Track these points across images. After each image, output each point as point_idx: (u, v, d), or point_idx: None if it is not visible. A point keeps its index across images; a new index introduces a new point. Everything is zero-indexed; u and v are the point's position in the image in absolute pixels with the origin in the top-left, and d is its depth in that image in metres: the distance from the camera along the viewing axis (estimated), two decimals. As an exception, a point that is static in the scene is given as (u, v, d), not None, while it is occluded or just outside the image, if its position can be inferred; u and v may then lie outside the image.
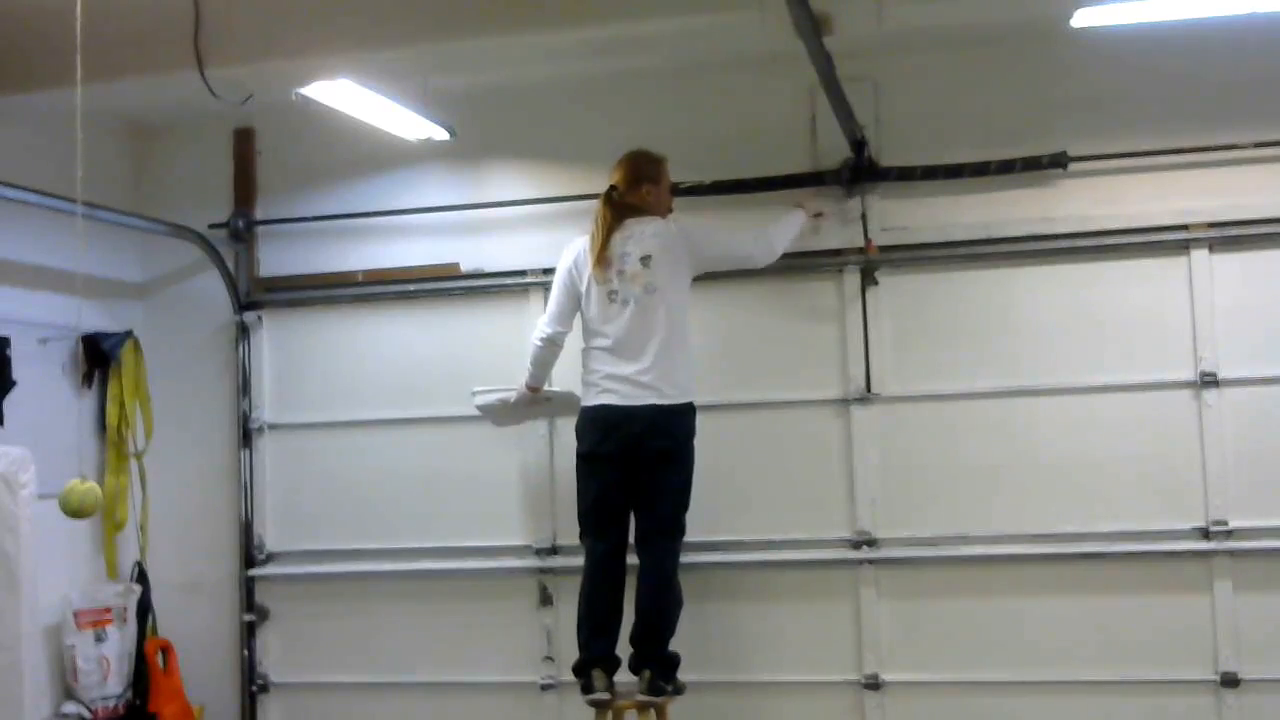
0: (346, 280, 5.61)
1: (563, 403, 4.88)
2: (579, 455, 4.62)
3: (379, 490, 5.52)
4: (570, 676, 4.78)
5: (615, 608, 4.58)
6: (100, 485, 4.26)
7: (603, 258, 4.54)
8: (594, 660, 4.50)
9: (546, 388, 4.89)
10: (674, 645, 4.56)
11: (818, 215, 4.99)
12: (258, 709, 5.60)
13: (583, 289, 4.60)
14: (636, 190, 4.67)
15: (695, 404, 4.57)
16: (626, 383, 4.47)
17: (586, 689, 4.46)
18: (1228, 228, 4.79)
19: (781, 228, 4.84)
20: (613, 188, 4.66)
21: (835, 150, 5.03)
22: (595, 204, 4.66)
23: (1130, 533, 4.81)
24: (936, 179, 4.99)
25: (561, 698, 5.21)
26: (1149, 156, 4.85)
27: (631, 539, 4.61)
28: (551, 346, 4.70)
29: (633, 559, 4.60)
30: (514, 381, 4.87)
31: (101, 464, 5.40)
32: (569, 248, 4.70)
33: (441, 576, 5.40)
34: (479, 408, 5.01)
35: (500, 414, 5.01)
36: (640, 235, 4.57)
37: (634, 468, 4.50)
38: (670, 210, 4.76)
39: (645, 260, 4.53)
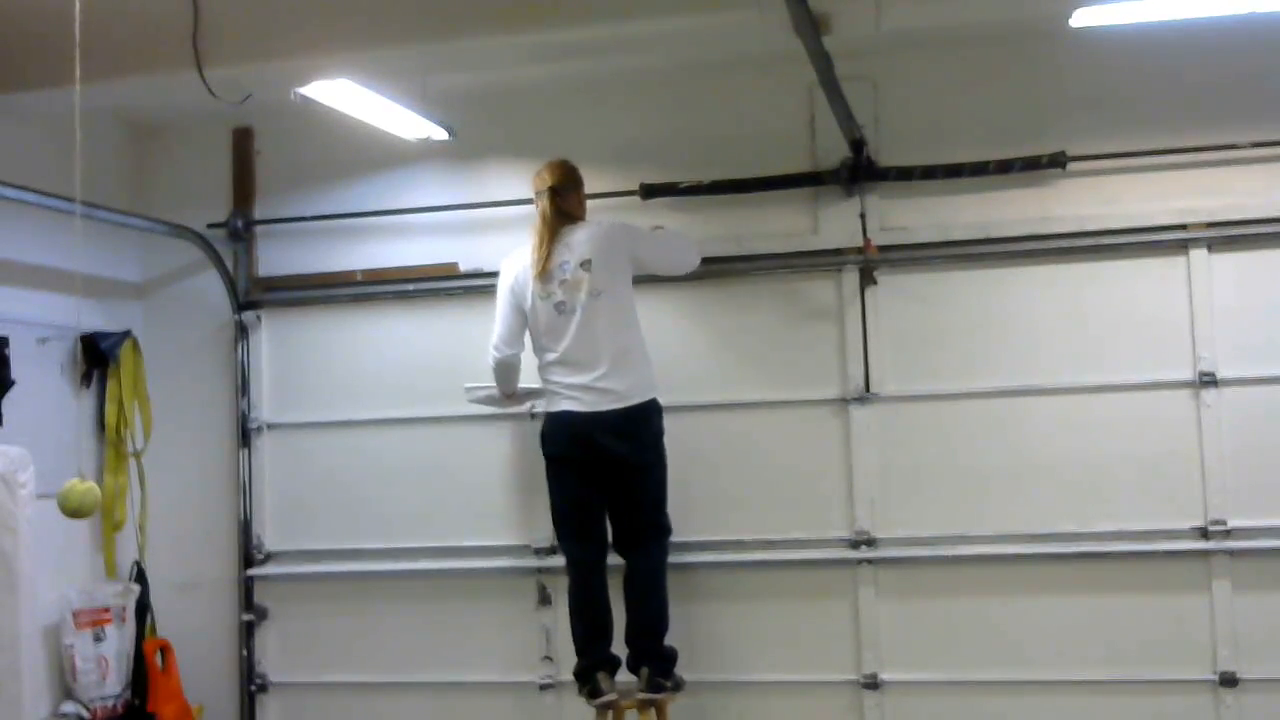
0: (345, 280, 5.61)
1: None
2: (546, 458, 4.65)
3: (378, 490, 5.51)
4: (569, 676, 4.79)
5: (605, 609, 4.60)
6: (99, 485, 4.26)
7: (545, 269, 4.54)
8: (595, 664, 4.51)
9: (525, 385, 4.89)
10: (671, 642, 4.58)
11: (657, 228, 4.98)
12: (256, 709, 5.60)
13: (528, 306, 4.60)
14: (574, 194, 4.73)
15: (659, 400, 4.61)
16: (587, 390, 4.48)
17: (593, 693, 4.47)
18: (1227, 227, 4.79)
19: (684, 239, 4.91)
20: (553, 188, 4.66)
21: (834, 150, 5.03)
22: (537, 207, 4.69)
23: (1129, 532, 4.81)
24: (935, 179, 4.99)
25: (560, 697, 5.21)
26: (1148, 156, 4.85)
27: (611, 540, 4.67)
28: (505, 368, 4.74)
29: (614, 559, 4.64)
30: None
31: (100, 463, 5.40)
32: (506, 267, 4.71)
33: (440, 576, 5.40)
34: (473, 402, 5.03)
35: (495, 403, 5.03)
36: (573, 241, 4.58)
37: (604, 473, 4.52)
38: None
39: (585, 265, 4.54)
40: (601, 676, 4.48)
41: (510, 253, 4.79)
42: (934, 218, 5.04)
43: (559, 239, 4.60)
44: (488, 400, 5.00)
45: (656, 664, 4.49)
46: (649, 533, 4.64)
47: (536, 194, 4.76)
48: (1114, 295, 4.91)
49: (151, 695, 5.31)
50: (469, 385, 5.02)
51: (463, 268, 5.46)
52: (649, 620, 4.54)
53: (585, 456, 4.51)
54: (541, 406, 4.85)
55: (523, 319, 4.65)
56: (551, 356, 4.56)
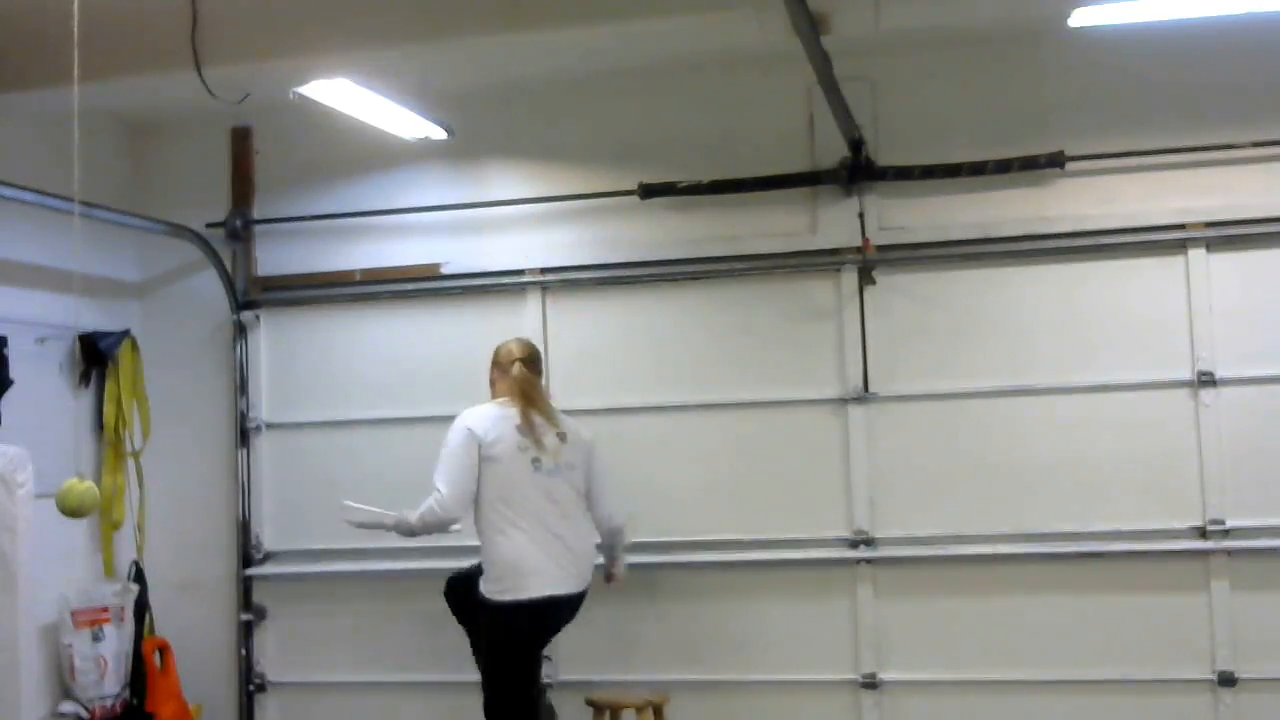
0: (344, 279, 5.60)
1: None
2: (507, 639, 4.40)
3: (376, 490, 5.47)
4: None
5: None
6: (98, 484, 4.26)
7: (528, 421, 4.35)
8: None
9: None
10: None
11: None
12: (255, 708, 5.60)
13: (495, 454, 4.29)
14: (539, 372, 4.61)
15: None
16: (565, 559, 4.32)
17: None
18: (1225, 227, 4.79)
19: None
20: (522, 360, 4.52)
21: (833, 150, 5.03)
22: (511, 372, 4.49)
23: (1127, 532, 4.81)
24: (934, 178, 4.99)
25: (559, 697, 5.20)
26: (1146, 156, 4.85)
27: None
28: (440, 526, 4.40)
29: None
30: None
31: (99, 463, 5.40)
32: (467, 418, 4.38)
33: (439, 576, 5.38)
34: (351, 522, 4.62)
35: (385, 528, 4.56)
36: (551, 414, 4.44)
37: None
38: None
39: (561, 436, 4.40)
40: None
41: (468, 412, 4.44)
42: (932, 217, 5.04)
43: (533, 404, 4.41)
44: (373, 524, 4.54)
45: None
46: None
47: (510, 363, 4.52)
48: (1112, 295, 4.91)
49: (150, 695, 5.31)
50: (347, 503, 4.59)
51: (459, 268, 5.45)
52: None
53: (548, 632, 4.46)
54: (498, 592, 4.33)
55: (476, 474, 4.30)
56: (518, 517, 4.28)
